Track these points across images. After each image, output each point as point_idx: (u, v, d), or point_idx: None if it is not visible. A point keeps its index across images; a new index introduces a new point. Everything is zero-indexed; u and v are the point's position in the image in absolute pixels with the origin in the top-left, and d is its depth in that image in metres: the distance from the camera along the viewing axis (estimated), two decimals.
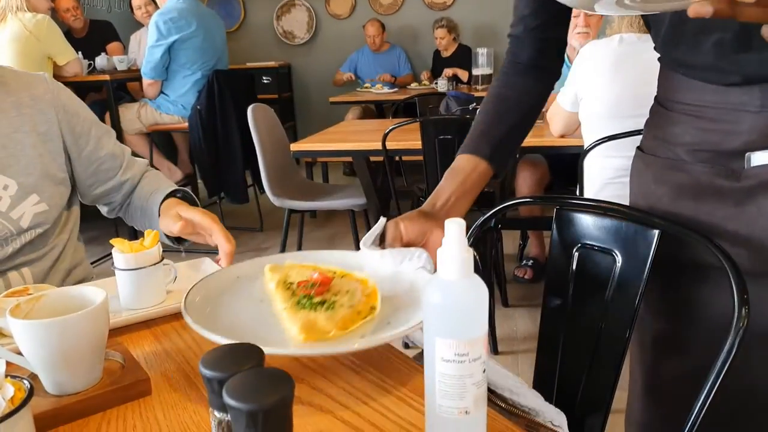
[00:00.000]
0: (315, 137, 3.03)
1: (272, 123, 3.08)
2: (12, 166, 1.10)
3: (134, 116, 3.76)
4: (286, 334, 0.73)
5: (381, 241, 0.90)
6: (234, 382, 0.50)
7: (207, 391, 0.55)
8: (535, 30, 1.00)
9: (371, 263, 0.87)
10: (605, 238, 0.98)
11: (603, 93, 2.06)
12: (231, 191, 3.86)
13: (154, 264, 0.91)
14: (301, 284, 0.81)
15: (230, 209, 4.24)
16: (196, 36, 3.60)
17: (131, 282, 0.90)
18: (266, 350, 0.56)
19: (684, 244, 0.90)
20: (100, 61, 3.99)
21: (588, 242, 1.00)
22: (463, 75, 5.10)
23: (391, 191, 2.61)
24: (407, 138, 2.61)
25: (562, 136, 2.48)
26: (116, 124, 3.60)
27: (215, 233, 1.03)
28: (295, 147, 2.86)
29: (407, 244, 0.89)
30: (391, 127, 2.49)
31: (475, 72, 4.61)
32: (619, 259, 0.96)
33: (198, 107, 3.64)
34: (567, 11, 1.00)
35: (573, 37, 2.84)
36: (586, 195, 2.23)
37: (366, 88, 5.26)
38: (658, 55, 0.93)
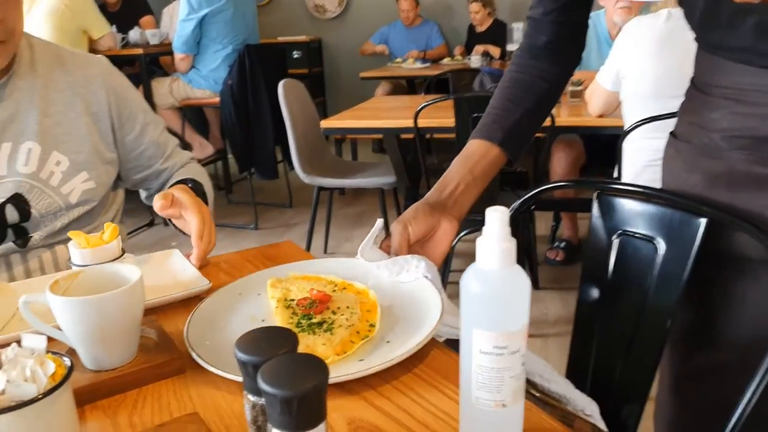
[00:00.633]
0: (345, 114, 3.01)
1: (303, 99, 3.07)
2: (65, 143, 1.14)
3: (166, 90, 3.79)
4: None
5: (385, 238, 0.89)
6: (269, 366, 0.50)
7: (241, 374, 0.54)
8: (553, 12, 0.95)
9: (370, 272, 0.86)
10: (648, 224, 0.95)
11: (647, 72, 2.00)
12: (261, 167, 3.88)
13: (112, 260, 0.85)
14: (300, 303, 0.81)
15: (260, 185, 4.26)
16: (227, 9, 3.58)
17: None
18: None
19: (725, 234, 0.86)
20: (134, 34, 4.01)
21: (629, 229, 0.97)
22: (495, 52, 4.99)
23: (422, 169, 2.59)
24: (439, 115, 2.57)
25: (601, 116, 2.42)
26: (149, 99, 3.64)
27: (188, 210, 0.98)
28: (325, 124, 2.85)
29: (414, 244, 0.87)
30: (423, 104, 2.46)
31: (510, 47, 4.51)
32: (661, 247, 0.93)
33: (229, 82, 3.64)
34: None
35: (615, 13, 2.75)
36: (625, 177, 2.18)
37: (397, 63, 5.20)
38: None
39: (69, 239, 0.85)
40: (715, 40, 0.83)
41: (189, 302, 0.87)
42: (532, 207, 2.38)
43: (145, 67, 3.69)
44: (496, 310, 0.52)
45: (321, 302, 0.80)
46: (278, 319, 0.78)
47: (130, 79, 1.35)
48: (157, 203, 0.98)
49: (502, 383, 0.53)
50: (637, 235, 0.96)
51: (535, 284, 2.78)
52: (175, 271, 0.97)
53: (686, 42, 0.92)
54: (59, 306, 0.65)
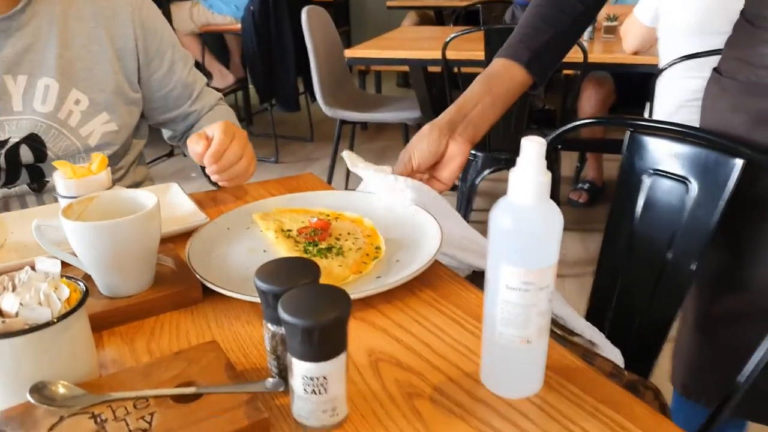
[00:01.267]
0: (371, 43, 2.92)
1: (327, 27, 2.97)
2: (85, 80, 1.05)
3: (186, 15, 3.70)
4: None
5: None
6: (290, 296, 0.49)
7: (261, 304, 0.53)
8: None
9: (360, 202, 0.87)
10: (681, 164, 0.92)
11: (691, 4, 1.89)
12: (282, 98, 3.81)
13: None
14: (302, 231, 0.80)
15: (281, 117, 4.21)
16: None
17: None
18: None
19: (762, 177, 0.82)
20: None
21: (661, 168, 0.93)
22: None
23: (448, 104, 2.52)
24: (468, 48, 2.48)
25: (635, 53, 2.31)
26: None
27: (216, 127, 0.93)
28: (349, 53, 2.77)
29: (425, 171, 0.87)
30: (452, 35, 2.36)
31: None
32: (693, 187, 0.89)
33: (251, 8, 3.54)
34: None
35: None
36: (657, 117, 2.10)
37: None
38: None
39: None
40: None
41: (185, 237, 0.82)
42: (558, 146, 2.31)
43: None
44: (527, 247, 0.49)
45: (323, 229, 0.80)
46: (282, 249, 0.77)
47: None
48: (196, 148, 0.93)
49: (529, 320, 0.51)
50: (669, 175, 0.93)
51: None
52: (172, 204, 0.93)
53: None
54: (73, 230, 0.63)
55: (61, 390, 0.50)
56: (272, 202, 0.91)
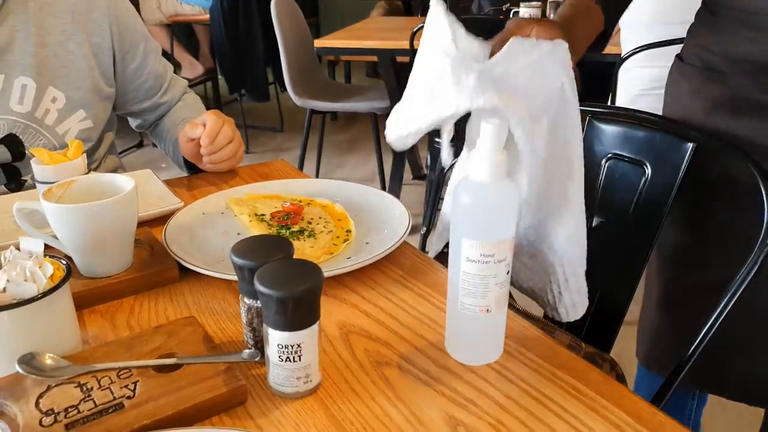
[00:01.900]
0: (339, 33, 2.93)
1: (295, 17, 2.98)
2: (62, 77, 1.04)
3: (154, 5, 3.66)
4: None
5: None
6: (266, 270, 0.52)
7: (237, 279, 0.56)
8: None
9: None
10: (637, 149, 0.96)
11: None
12: (252, 88, 3.80)
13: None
14: (275, 215, 0.84)
15: (251, 107, 4.19)
16: None
17: None
18: None
19: (716, 159, 0.87)
20: None
21: (618, 152, 0.98)
22: None
23: None
24: None
25: None
26: None
27: (206, 115, 0.98)
28: (318, 43, 2.78)
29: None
30: (420, 25, 2.39)
31: None
32: (648, 170, 0.94)
33: None
34: None
35: None
36: (618, 106, 2.16)
37: None
38: None
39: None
40: None
41: (161, 221, 0.85)
42: None
43: None
44: (485, 221, 0.53)
45: (296, 214, 0.84)
46: (255, 232, 0.81)
47: None
48: (195, 132, 0.98)
49: (488, 290, 0.55)
50: (626, 158, 0.97)
51: None
52: (148, 190, 0.95)
53: None
54: (54, 212, 0.65)
55: (48, 361, 0.52)
56: (246, 188, 0.95)
